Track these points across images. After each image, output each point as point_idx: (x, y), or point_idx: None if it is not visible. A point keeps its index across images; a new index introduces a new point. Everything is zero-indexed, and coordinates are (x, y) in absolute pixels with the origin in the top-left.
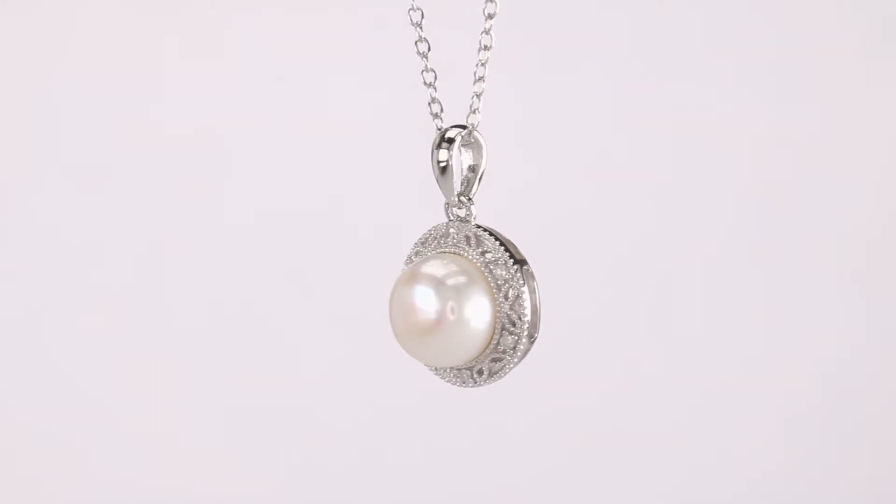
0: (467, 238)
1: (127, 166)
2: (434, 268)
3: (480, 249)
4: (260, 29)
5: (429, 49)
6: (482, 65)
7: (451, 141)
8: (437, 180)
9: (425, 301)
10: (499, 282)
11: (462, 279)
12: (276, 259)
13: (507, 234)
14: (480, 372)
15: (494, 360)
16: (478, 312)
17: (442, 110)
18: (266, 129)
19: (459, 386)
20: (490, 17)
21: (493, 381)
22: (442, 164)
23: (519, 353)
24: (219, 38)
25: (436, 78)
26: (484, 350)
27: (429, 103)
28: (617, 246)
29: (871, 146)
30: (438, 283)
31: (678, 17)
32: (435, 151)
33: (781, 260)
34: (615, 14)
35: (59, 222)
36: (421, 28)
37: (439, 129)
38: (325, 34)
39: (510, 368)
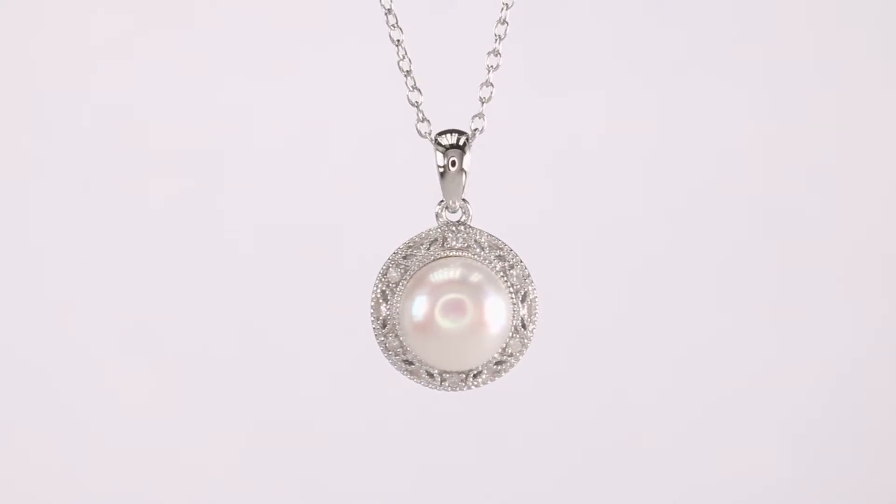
0: (478, 243)
1: (119, 177)
2: (458, 272)
3: (495, 254)
4: (252, 31)
5: (406, 54)
6: (492, 70)
7: (454, 145)
8: (440, 183)
9: (460, 304)
10: (516, 286)
11: (484, 280)
12: (273, 270)
13: (502, 237)
14: (478, 375)
15: (498, 363)
16: (501, 314)
17: (425, 116)
18: (264, 135)
19: (447, 391)
20: (503, 22)
21: (485, 384)
22: (442, 169)
23: (521, 357)
24: (210, 40)
25: (415, 83)
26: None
27: (415, 106)
28: (621, 252)
29: (886, 149)
30: (467, 286)
31: (684, 21)
32: (437, 155)
33: (792, 266)
34: (624, 17)
35: (48, 236)
36: (401, 30)
37: (427, 134)
38: (321, 33)
39: (506, 372)
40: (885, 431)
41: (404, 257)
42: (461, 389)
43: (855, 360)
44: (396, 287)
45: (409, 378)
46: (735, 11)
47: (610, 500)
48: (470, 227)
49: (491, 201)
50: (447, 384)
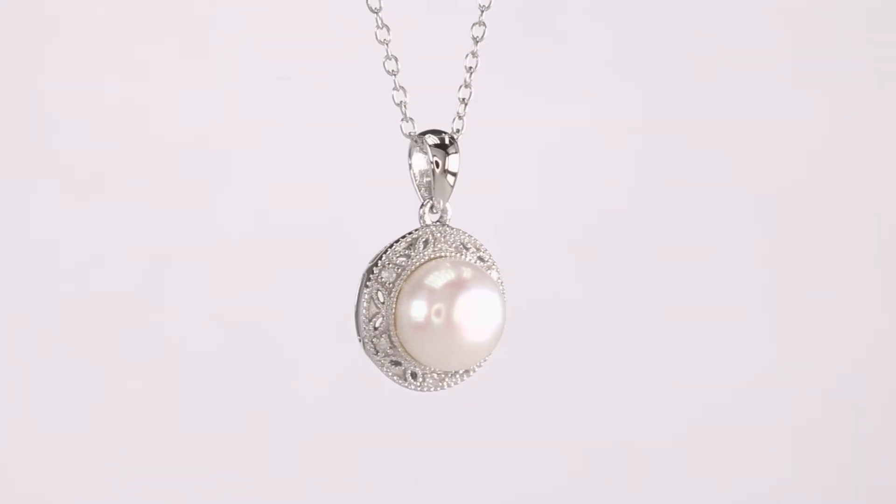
0: (463, 244)
1: (121, 175)
2: (453, 272)
3: (478, 255)
4: (252, 31)
5: (390, 54)
6: (470, 71)
7: (437, 145)
8: (428, 184)
9: (487, 303)
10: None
11: (481, 278)
12: (274, 270)
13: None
14: (454, 374)
15: None
16: (498, 312)
17: (408, 116)
18: (264, 134)
19: (421, 391)
20: (480, 24)
21: (457, 384)
22: (430, 168)
23: (488, 357)
24: (212, 40)
25: (397, 85)
26: None
27: (398, 106)
28: (618, 253)
29: (880, 149)
30: (467, 285)
31: (679, 21)
32: (417, 156)
33: (790, 266)
34: (615, 17)
35: (52, 233)
36: (388, 30)
37: (409, 134)
38: (318, 33)
39: (474, 371)
40: (884, 431)
41: (398, 256)
42: (436, 390)
43: (854, 361)
44: (392, 287)
45: (389, 378)
46: (732, 13)
47: (609, 501)
48: (451, 227)
49: (469, 202)
50: (425, 384)
